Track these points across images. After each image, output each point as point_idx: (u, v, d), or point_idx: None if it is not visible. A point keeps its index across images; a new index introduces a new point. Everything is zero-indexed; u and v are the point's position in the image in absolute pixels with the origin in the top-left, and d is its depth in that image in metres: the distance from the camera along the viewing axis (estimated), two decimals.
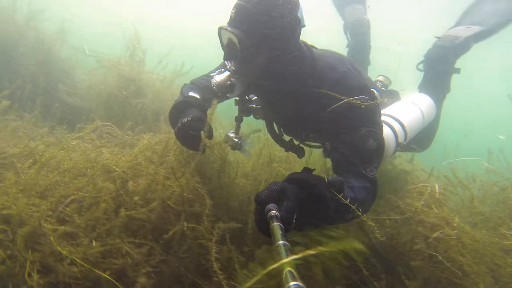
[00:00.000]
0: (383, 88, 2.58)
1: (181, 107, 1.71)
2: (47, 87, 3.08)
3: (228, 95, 1.68)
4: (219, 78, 1.62)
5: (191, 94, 1.85)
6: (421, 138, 2.46)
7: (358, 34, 3.04)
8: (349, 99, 1.50)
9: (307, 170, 1.15)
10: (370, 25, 3.07)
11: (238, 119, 1.91)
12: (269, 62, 1.53)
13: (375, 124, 1.55)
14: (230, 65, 1.62)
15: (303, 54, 1.62)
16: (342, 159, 1.48)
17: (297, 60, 1.58)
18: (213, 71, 1.97)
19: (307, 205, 1.02)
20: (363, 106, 1.49)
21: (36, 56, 3.33)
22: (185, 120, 1.59)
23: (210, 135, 1.59)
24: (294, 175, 1.09)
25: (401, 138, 1.89)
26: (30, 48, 3.36)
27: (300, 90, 1.65)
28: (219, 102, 2.12)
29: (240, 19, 1.47)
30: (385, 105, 2.27)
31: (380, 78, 2.76)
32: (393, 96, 2.54)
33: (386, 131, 1.79)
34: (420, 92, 2.69)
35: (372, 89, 1.65)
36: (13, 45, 3.30)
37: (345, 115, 1.53)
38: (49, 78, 3.26)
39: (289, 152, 2.00)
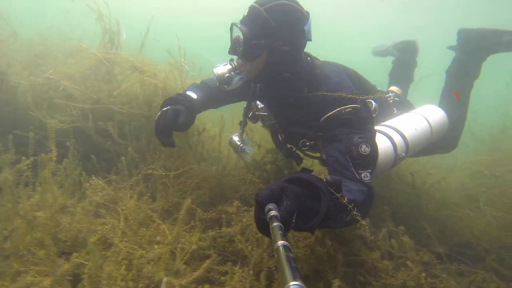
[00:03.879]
0: (396, 98, 2.54)
1: (167, 103, 1.81)
2: None
3: (225, 86, 1.76)
4: (220, 69, 1.75)
5: (187, 92, 1.96)
6: (445, 140, 2.51)
7: (407, 53, 3.13)
8: (341, 108, 1.60)
9: (306, 171, 1.17)
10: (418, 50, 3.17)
11: (242, 124, 2.04)
12: (267, 65, 1.64)
13: (368, 131, 1.61)
14: (234, 60, 1.75)
15: (303, 63, 1.74)
16: (336, 166, 1.53)
17: (294, 68, 1.69)
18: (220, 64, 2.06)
19: (307, 205, 1.03)
20: (346, 111, 1.58)
21: None
22: (161, 111, 1.73)
23: (183, 127, 1.73)
24: (294, 175, 1.11)
25: (401, 150, 1.88)
26: None
27: (296, 97, 1.75)
28: (228, 103, 2.27)
29: (251, 19, 1.58)
30: (393, 116, 2.28)
31: (392, 88, 2.82)
32: (405, 106, 2.53)
33: (385, 143, 1.82)
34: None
35: (369, 99, 1.72)
36: None
37: (337, 124, 1.60)
38: None
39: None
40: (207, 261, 1.38)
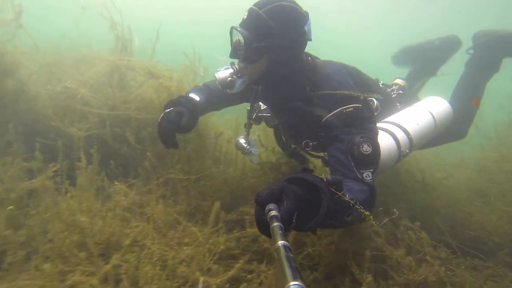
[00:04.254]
0: (400, 91, 2.53)
1: (169, 104, 1.84)
2: None
3: (227, 90, 1.76)
4: (222, 74, 1.73)
5: (190, 95, 1.97)
6: (455, 129, 2.50)
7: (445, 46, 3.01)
8: (342, 107, 1.59)
9: (306, 170, 1.15)
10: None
11: (248, 126, 2.06)
12: (269, 67, 1.65)
13: (369, 130, 1.61)
14: (235, 64, 1.75)
15: (304, 64, 1.74)
16: (338, 166, 1.53)
17: (296, 69, 1.69)
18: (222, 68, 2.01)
19: (307, 205, 1.03)
20: (347, 111, 1.58)
21: None
22: (163, 113, 1.76)
23: (185, 129, 1.75)
24: (294, 175, 1.10)
25: (404, 146, 1.87)
26: None
27: (297, 97, 1.75)
28: (230, 105, 2.27)
29: (251, 22, 1.58)
30: (397, 110, 2.27)
31: (397, 81, 2.72)
32: (410, 99, 2.50)
33: (388, 140, 1.82)
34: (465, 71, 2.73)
35: (370, 98, 1.73)
36: None
37: (338, 123, 1.60)
38: None
39: None
40: (241, 261, 1.45)
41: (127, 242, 1.42)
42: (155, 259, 1.39)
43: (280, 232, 0.77)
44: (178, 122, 1.72)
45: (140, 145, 2.53)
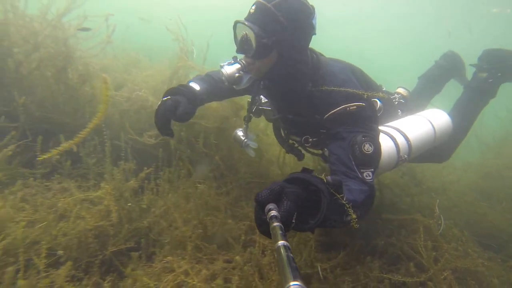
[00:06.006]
0: (401, 100, 2.53)
1: (168, 93, 1.84)
2: None
3: (234, 86, 1.76)
4: (229, 69, 1.70)
5: (191, 84, 1.98)
6: (442, 149, 2.52)
7: (452, 66, 2.98)
8: (346, 105, 1.60)
9: (306, 170, 1.15)
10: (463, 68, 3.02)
11: (247, 119, 2.08)
12: (277, 62, 1.64)
13: (372, 130, 1.62)
14: (241, 59, 1.73)
15: (308, 59, 1.75)
16: (339, 164, 1.54)
17: (302, 64, 1.70)
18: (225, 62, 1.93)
19: (307, 205, 1.03)
20: (351, 109, 1.59)
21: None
22: (161, 100, 1.77)
23: (181, 118, 1.74)
24: (294, 175, 1.10)
25: (403, 152, 1.89)
26: None
27: (300, 93, 1.76)
28: (231, 97, 2.32)
29: (259, 16, 1.55)
30: (397, 117, 2.31)
31: (399, 90, 2.72)
32: (411, 109, 2.52)
33: (388, 143, 1.84)
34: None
35: (374, 98, 1.76)
36: None
37: (341, 121, 1.61)
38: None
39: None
40: (346, 250, 1.84)
41: (242, 237, 1.79)
42: (269, 252, 1.76)
43: (280, 232, 0.78)
44: (174, 110, 1.72)
45: (206, 149, 2.85)
